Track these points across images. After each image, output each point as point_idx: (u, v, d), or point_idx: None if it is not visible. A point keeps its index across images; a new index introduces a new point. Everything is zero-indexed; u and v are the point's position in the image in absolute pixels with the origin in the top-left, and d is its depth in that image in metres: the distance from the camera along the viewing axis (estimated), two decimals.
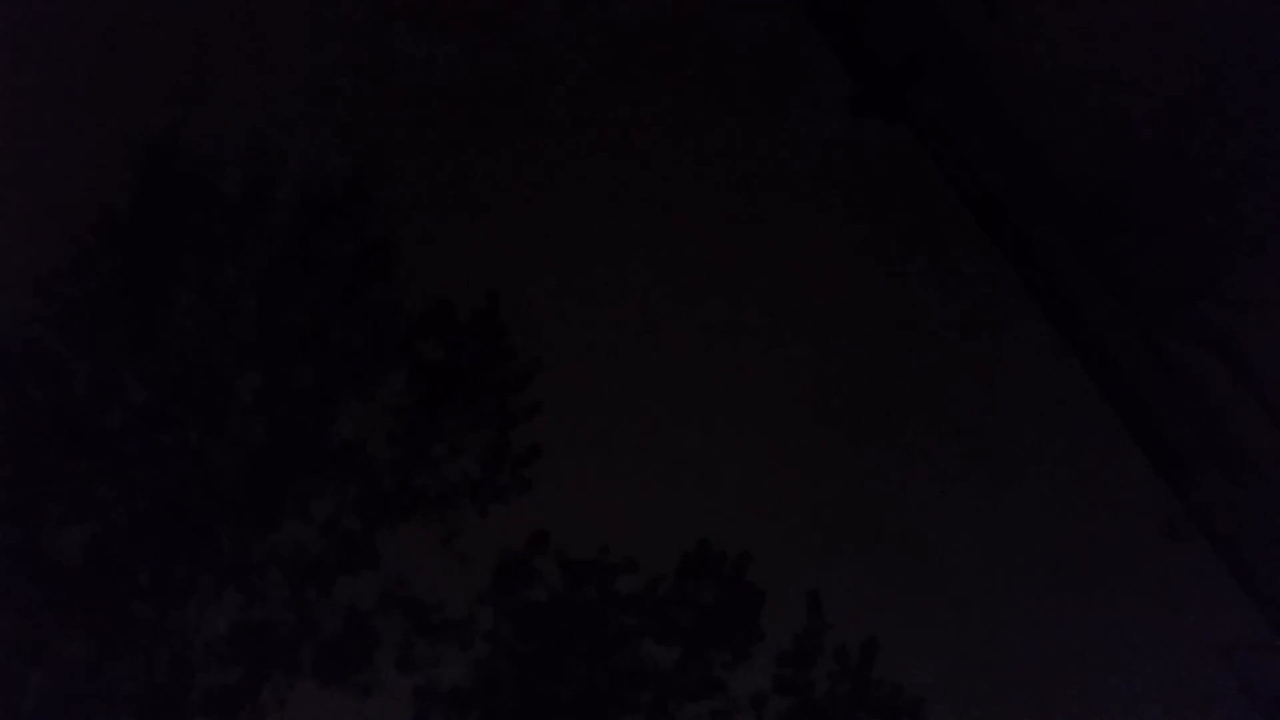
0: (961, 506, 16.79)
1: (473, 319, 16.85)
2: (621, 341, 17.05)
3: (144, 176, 16.76)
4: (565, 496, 16.42)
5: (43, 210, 16.76)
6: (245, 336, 16.52)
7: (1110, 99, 17.54)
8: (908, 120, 17.96)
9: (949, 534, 16.70)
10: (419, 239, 17.01)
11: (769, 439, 16.83)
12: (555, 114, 17.72)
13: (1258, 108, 17.40)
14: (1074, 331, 17.32)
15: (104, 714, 15.83)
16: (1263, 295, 17.07)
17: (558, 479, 16.50)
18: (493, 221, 17.30)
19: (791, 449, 16.85)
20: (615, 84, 17.89)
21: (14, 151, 17.00)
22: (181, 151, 16.89)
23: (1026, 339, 17.36)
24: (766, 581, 16.31)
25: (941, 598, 16.51)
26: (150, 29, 17.51)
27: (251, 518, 16.22)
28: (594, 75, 17.87)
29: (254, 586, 16.14)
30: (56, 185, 16.85)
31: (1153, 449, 16.98)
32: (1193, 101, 17.42)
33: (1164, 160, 17.40)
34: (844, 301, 17.37)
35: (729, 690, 16.18)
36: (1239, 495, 16.79)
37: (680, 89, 17.89)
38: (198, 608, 16.06)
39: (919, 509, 16.75)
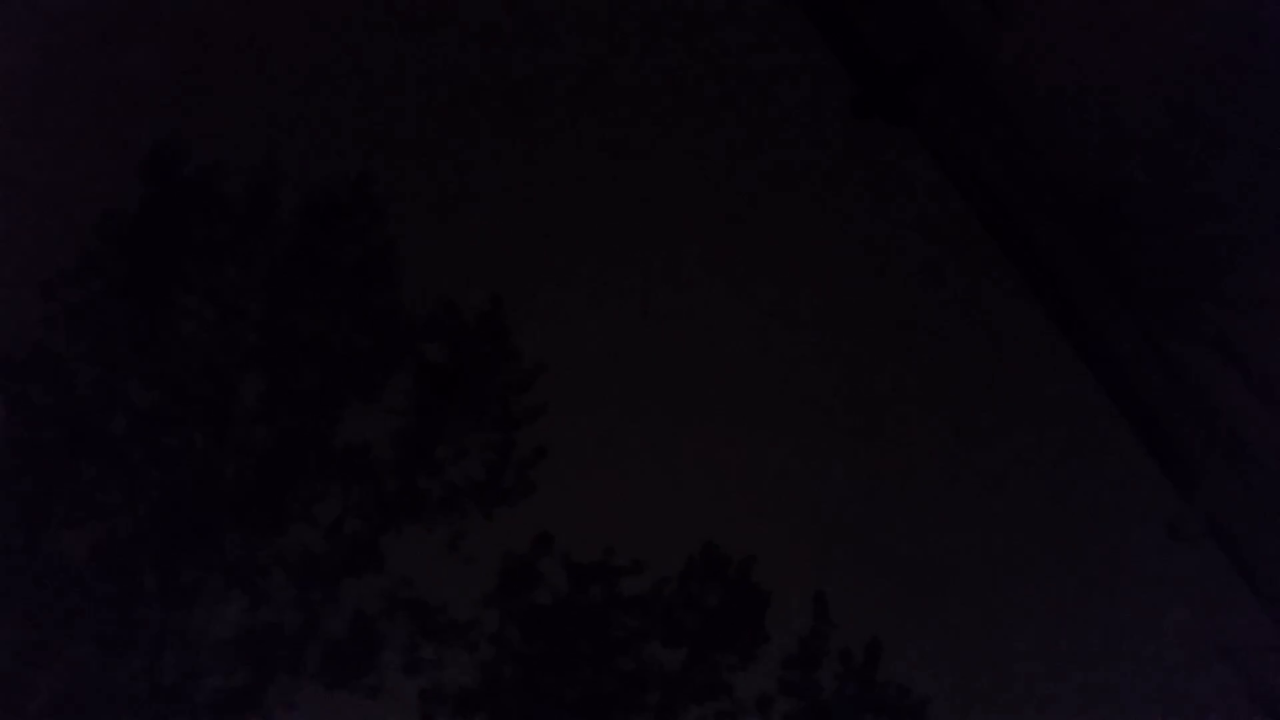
0: (965, 506, 16.81)
1: (477, 321, 16.85)
2: (625, 343, 17.06)
3: (148, 181, 16.76)
4: (570, 499, 16.43)
5: (48, 214, 16.76)
6: (250, 340, 16.53)
7: (1111, 99, 17.57)
8: (910, 121, 17.98)
9: (952, 534, 16.73)
10: (423, 242, 17.00)
11: (773, 441, 16.85)
12: (558, 116, 17.73)
13: (1259, 108, 17.43)
14: (1077, 331, 17.36)
15: (111, 716, 15.81)
16: (1264, 295, 17.11)
17: (562, 481, 16.51)
18: (496, 224, 17.31)
19: (795, 450, 16.87)
20: (618, 86, 17.90)
21: (18, 156, 16.98)
22: (185, 156, 16.87)
23: (1029, 339, 17.40)
24: (772, 584, 16.33)
25: (945, 598, 16.53)
26: (153, 32, 17.50)
27: (257, 520, 16.21)
28: (598, 77, 17.88)
29: (259, 589, 16.14)
30: (61, 190, 16.85)
31: (1156, 448, 17.02)
32: (1193, 102, 17.46)
33: (1165, 160, 17.43)
34: (848, 302, 17.39)
35: (734, 692, 16.19)
36: (1242, 495, 16.83)
37: (683, 91, 17.91)
38: (203, 610, 16.06)
39: (922, 510, 16.78)
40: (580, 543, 16.35)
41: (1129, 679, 16.37)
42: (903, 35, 18.05)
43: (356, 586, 16.25)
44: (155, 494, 16.17)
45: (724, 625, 16.29)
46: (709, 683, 16.19)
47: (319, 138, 17.27)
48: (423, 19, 17.76)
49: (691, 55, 17.95)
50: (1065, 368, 17.34)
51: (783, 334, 17.22)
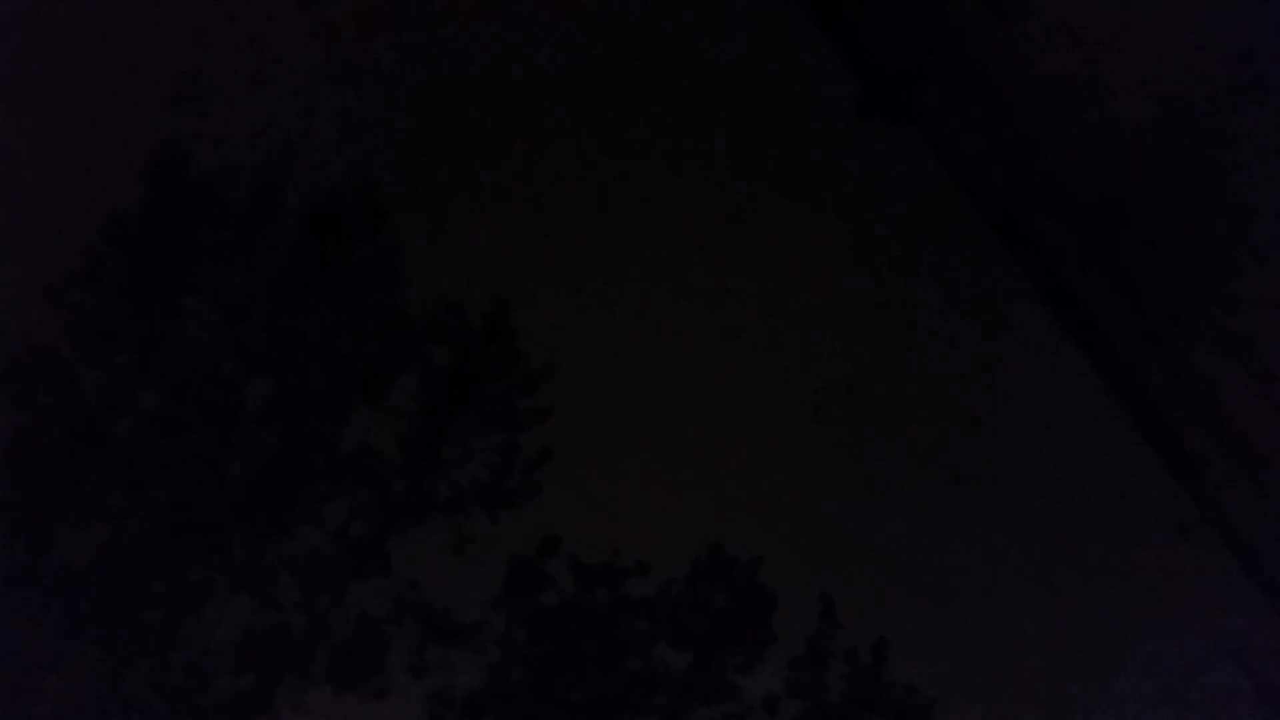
0: (971, 507, 16.82)
1: (483, 323, 16.85)
2: (631, 344, 17.06)
3: (153, 183, 16.75)
4: (576, 500, 16.43)
5: (52, 218, 16.74)
6: (255, 343, 16.52)
7: (1117, 99, 17.56)
8: (913, 122, 17.96)
9: (959, 535, 16.73)
10: (427, 244, 17.00)
11: (780, 441, 16.85)
12: (560, 117, 17.71)
13: (1263, 108, 17.42)
14: (1083, 332, 17.35)
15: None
16: (1273, 296, 17.09)
17: (569, 483, 16.51)
18: (502, 225, 17.29)
19: (801, 451, 16.87)
20: (621, 87, 17.89)
21: (22, 159, 16.97)
22: (189, 159, 16.86)
23: (1034, 339, 17.39)
24: (778, 585, 16.34)
25: (952, 598, 16.54)
26: (155, 35, 17.48)
27: (263, 524, 16.22)
28: (599, 78, 17.86)
29: (266, 592, 16.14)
30: (65, 193, 16.82)
31: (1163, 449, 17.00)
32: (1199, 102, 17.44)
33: (1171, 161, 17.42)
34: (852, 303, 17.38)
35: (742, 694, 16.20)
36: (1251, 495, 16.83)
37: (684, 92, 17.89)
38: (211, 614, 16.07)
39: (928, 510, 16.78)
40: (587, 544, 16.36)
41: (1137, 679, 16.38)
42: (905, 36, 18.03)
43: (363, 589, 16.26)
44: (161, 497, 16.18)
45: (731, 626, 16.30)
46: (716, 684, 16.20)
47: (323, 140, 17.25)
48: (425, 20, 17.74)
49: (694, 56, 17.93)
50: (1071, 368, 17.33)
51: (788, 335, 17.22)
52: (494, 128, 17.60)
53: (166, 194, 16.75)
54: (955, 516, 16.74)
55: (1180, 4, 17.56)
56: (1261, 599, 16.50)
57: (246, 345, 16.47)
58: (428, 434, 16.59)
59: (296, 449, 16.34)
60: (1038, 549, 16.69)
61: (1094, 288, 17.46)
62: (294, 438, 16.37)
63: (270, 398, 16.41)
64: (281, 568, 16.15)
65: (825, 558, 16.47)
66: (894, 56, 18.06)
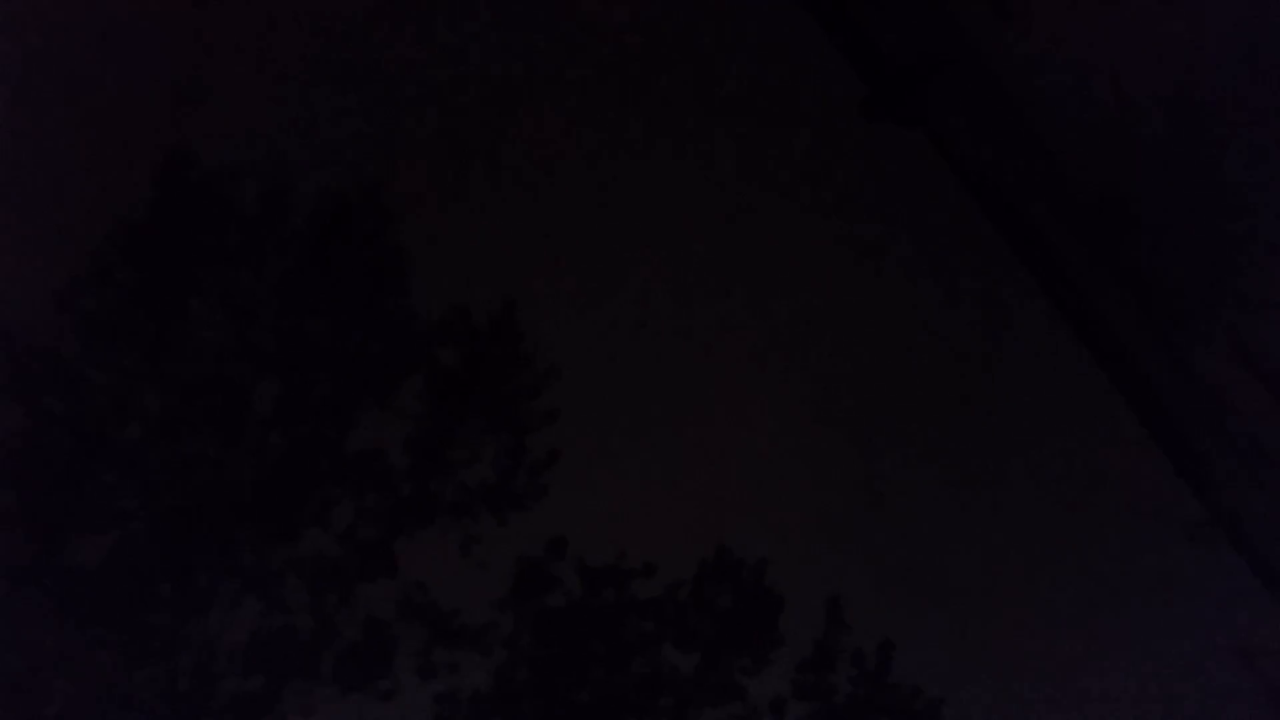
0: (978, 509, 16.80)
1: (489, 325, 16.86)
2: (637, 347, 17.06)
3: (160, 188, 16.78)
4: (583, 502, 16.44)
5: (60, 223, 16.78)
6: (263, 346, 16.55)
7: (1122, 100, 17.53)
8: (919, 123, 17.95)
9: (965, 537, 16.72)
10: (434, 246, 17.01)
11: (786, 444, 16.84)
12: (566, 119, 17.73)
13: (1267, 108, 17.38)
14: (1092, 333, 17.31)
15: None
16: (1274, 296, 17.05)
17: (575, 485, 16.51)
18: (507, 227, 17.31)
19: (807, 453, 16.86)
20: (627, 89, 17.89)
21: (30, 164, 17.03)
22: (197, 162, 16.90)
23: (1042, 340, 17.37)
24: (784, 587, 16.33)
25: (958, 600, 16.52)
26: (162, 38, 17.53)
27: (271, 526, 16.25)
28: (605, 80, 17.87)
29: (274, 594, 16.17)
30: (73, 198, 16.87)
31: (1173, 451, 16.97)
32: (1203, 102, 17.40)
33: (1177, 161, 17.38)
34: (859, 303, 17.38)
35: (748, 696, 16.21)
36: (1260, 497, 16.78)
37: (689, 94, 17.89)
38: (219, 616, 16.10)
39: (935, 512, 16.77)
40: (593, 546, 16.36)
41: (1145, 680, 16.35)
42: (911, 37, 18.02)
43: (370, 591, 16.28)
44: (170, 500, 16.21)
45: (737, 628, 16.30)
46: (722, 685, 16.20)
47: (329, 143, 17.28)
48: (431, 22, 17.77)
49: (699, 58, 17.93)
50: (1078, 369, 17.30)
51: (794, 336, 17.21)
52: (500, 130, 17.61)
53: (174, 198, 16.79)
54: (959, 517, 16.73)
55: (1181, 4, 17.53)
56: (1270, 600, 16.46)
57: (254, 348, 16.50)
58: (434, 436, 16.61)
59: (303, 451, 16.37)
60: (1045, 551, 16.66)
61: (1101, 286, 17.43)
62: (301, 440, 16.40)
63: (277, 400, 16.44)
64: (288, 570, 16.19)
65: (832, 559, 16.45)
66: (899, 58, 18.04)
